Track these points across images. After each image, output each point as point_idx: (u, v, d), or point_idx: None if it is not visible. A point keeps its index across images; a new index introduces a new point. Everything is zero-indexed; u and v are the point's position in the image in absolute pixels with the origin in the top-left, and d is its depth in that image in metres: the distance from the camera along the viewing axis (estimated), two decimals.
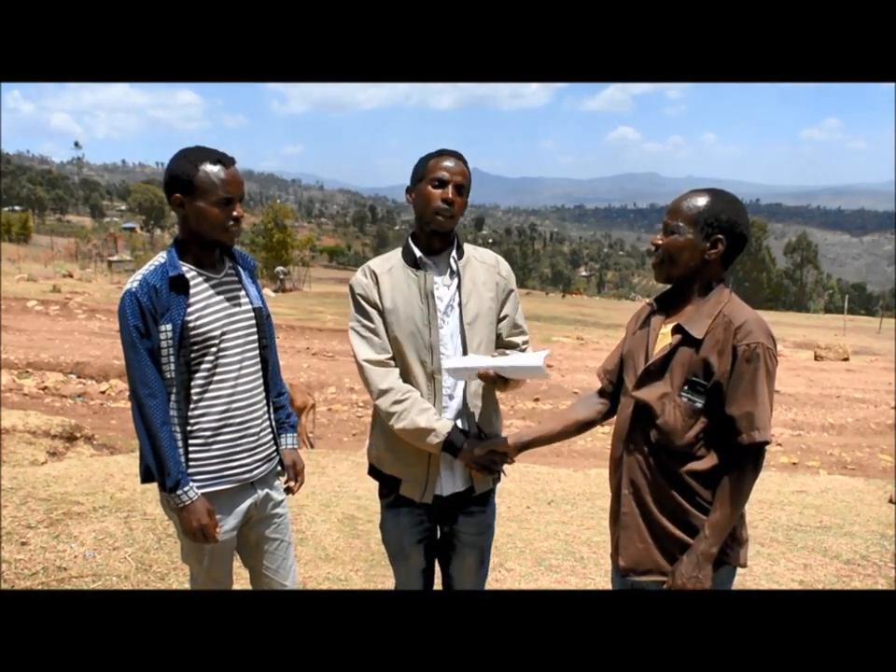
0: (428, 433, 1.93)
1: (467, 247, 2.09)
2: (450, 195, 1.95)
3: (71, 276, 30.81)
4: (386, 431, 2.03)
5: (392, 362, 2.01)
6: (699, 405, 1.68)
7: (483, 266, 2.10)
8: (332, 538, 3.82)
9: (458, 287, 2.03)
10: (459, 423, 2.03)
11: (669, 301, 1.83)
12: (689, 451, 1.71)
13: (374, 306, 2.00)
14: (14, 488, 3.89)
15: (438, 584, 2.29)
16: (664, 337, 1.77)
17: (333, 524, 3.99)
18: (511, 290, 2.14)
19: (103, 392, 10.51)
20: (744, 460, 1.67)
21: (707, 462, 1.70)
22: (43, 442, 5.73)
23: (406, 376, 2.01)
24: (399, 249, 2.09)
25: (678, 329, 1.72)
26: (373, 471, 2.17)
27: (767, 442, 1.66)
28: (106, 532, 3.50)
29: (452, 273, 2.05)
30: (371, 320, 2.00)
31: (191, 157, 1.89)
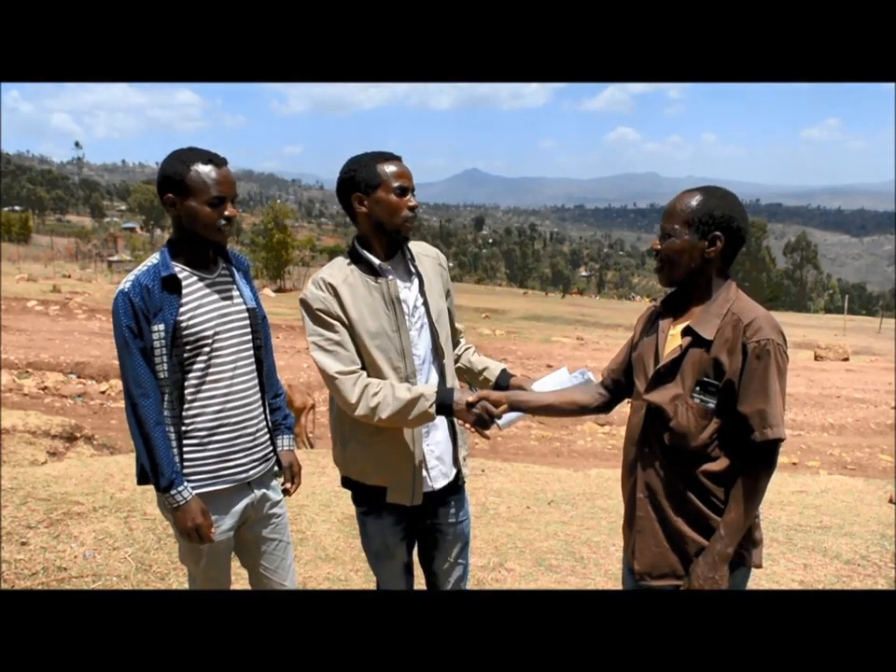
0: (417, 401, 1.88)
1: (410, 245, 2.07)
2: (414, 202, 1.97)
3: (70, 277, 30.83)
4: (365, 442, 1.99)
5: (362, 371, 1.96)
6: (712, 406, 1.67)
7: (428, 260, 2.11)
8: (332, 538, 3.81)
9: (420, 286, 2.04)
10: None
11: (676, 302, 1.81)
12: (703, 452, 1.69)
13: (338, 319, 1.94)
14: (14, 488, 3.89)
15: (419, 584, 2.28)
16: (673, 339, 1.76)
17: (333, 524, 3.99)
18: (449, 283, 2.18)
19: (103, 392, 10.53)
20: (758, 459, 1.65)
21: (722, 462, 1.69)
22: (43, 442, 5.73)
23: None
24: (344, 259, 2.03)
25: (687, 331, 1.71)
26: (351, 484, 2.10)
27: (781, 439, 1.64)
28: (106, 532, 3.50)
29: (410, 274, 2.05)
30: (335, 332, 1.93)
31: (183, 157, 1.90)
